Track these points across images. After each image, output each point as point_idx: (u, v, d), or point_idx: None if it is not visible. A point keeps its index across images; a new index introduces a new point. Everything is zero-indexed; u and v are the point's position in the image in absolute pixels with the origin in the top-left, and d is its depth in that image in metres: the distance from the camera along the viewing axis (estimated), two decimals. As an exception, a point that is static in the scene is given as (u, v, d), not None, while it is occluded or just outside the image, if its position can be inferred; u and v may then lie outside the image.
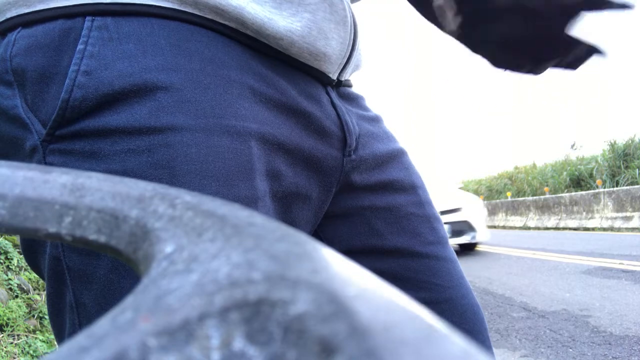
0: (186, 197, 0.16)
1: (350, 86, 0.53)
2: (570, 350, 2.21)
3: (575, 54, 0.40)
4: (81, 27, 0.34)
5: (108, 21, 0.35)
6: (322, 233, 0.52)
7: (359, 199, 0.50)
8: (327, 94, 0.46)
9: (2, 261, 1.95)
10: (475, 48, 0.45)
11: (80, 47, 0.34)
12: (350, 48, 0.45)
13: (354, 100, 0.52)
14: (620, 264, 4.47)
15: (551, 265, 4.81)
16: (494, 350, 2.31)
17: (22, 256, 2.11)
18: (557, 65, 0.41)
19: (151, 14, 0.35)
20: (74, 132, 0.34)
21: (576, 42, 0.39)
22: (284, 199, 0.41)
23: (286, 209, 0.42)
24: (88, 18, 0.34)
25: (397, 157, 0.54)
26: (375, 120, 0.54)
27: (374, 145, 0.51)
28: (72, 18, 0.34)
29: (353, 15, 0.46)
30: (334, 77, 0.46)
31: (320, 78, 0.44)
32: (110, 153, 0.33)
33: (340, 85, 0.49)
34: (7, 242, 2.02)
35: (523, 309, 3.04)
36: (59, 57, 0.34)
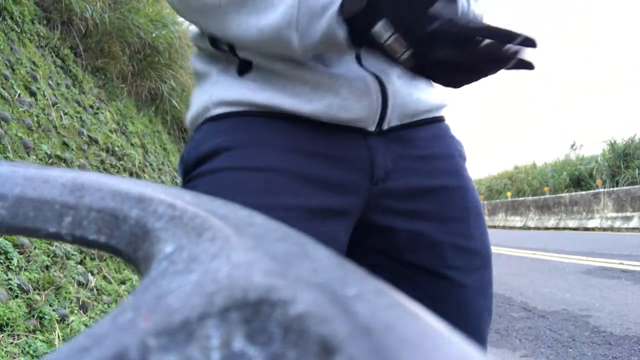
0: (186, 196, 0.16)
1: (411, 127, 0.64)
2: (570, 350, 2.21)
3: (498, 67, 0.50)
4: (200, 126, 0.63)
5: (204, 125, 0.62)
6: (353, 236, 0.63)
7: (390, 220, 0.62)
8: (366, 139, 0.61)
9: (2, 261, 1.95)
10: (431, 76, 0.54)
11: (195, 136, 0.63)
12: (380, 108, 0.60)
13: (407, 140, 0.64)
14: (620, 264, 4.47)
15: (551, 265, 4.81)
16: (494, 350, 2.31)
17: (22, 256, 2.11)
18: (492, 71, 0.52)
19: (226, 116, 0.61)
20: (191, 176, 0.61)
21: (499, 60, 0.49)
22: (318, 213, 0.57)
23: (322, 221, 0.58)
24: (204, 122, 0.63)
25: (435, 191, 0.63)
26: (428, 157, 0.64)
27: (410, 179, 0.62)
28: (200, 125, 0.64)
29: (382, 81, 0.60)
30: (372, 129, 0.60)
31: (359, 130, 0.60)
32: (200, 183, 0.59)
33: (390, 131, 0.62)
34: (7, 242, 2.02)
35: (523, 309, 3.04)
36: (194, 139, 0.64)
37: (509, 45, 0.47)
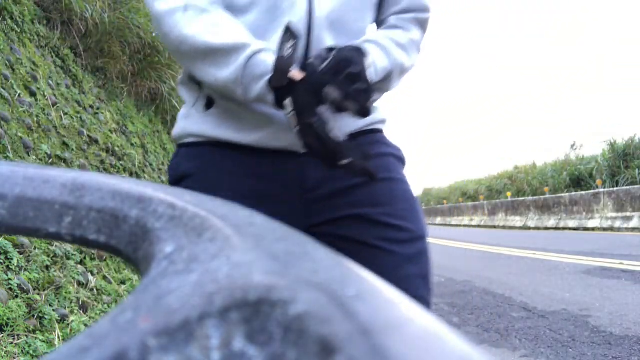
0: (186, 196, 0.16)
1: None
2: (570, 350, 2.21)
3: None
4: (179, 149, 0.85)
5: (181, 150, 0.83)
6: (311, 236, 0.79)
7: (333, 212, 0.79)
8: (299, 158, 0.77)
9: (2, 261, 1.95)
10: (311, 150, 0.68)
11: (174, 157, 0.84)
12: None
13: None
14: (620, 264, 4.47)
15: (551, 265, 4.81)
16: (494, 350, 2.31)
17: (22, 256, 2.11)
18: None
19: (188, 145, 0.81)
20: None
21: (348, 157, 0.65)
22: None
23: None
24: (180, 146, 0.84)
25: (366, 183, 0.78)
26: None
27: (342, 181, 0.78)
28: (179, 148, 0.84)
29: None
30: (303, 151, 0.71)
31: (292, 153, 0.77)
32: None
33: None
34: (7, 242, 2.02)
35: (523, 309, 3.04)
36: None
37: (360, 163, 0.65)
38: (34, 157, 2.87)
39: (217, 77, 0.70)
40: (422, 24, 0.88)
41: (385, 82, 0.80)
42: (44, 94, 3.55)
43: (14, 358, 1.62)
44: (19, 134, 2.83)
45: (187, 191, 0.17)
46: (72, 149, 3.46)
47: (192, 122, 0.81)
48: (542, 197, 12.21)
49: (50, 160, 3.05)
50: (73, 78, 4.53)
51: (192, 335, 0.10)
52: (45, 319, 1.90)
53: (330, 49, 0.68)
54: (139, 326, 0.10)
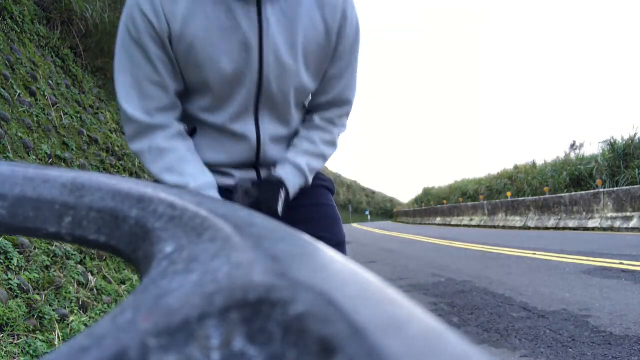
0: (186, 197, 0.16)
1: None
2: (570, 350, 2.21)
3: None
4: None
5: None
6: None
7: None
8: (257, 170, 1.08)
9: (2, 261, 1.95)
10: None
11: None
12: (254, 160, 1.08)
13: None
14: (620, 264, 4.47)
15: (551, 265, 4.81)
16: (494, 350, 2.31)
17: (22, 256, 2.10)
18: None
19: None
20: None
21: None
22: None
23: None
24: None
25: (302, 206, 1.11)
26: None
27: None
28: None
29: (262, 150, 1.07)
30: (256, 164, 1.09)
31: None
32: None
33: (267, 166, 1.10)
34: (7, 242, 2.02)
35: (523, 309, 3.04)
36: None
37: None
38: (34, 157, 2.87)
39: (174, 183, 0.98)
40: (343, 120, 1.13)
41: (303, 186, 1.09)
42: (44, 94, 3.54)
43: (14, 358, 1.62)
44: (19, 134, 2.83)
45: (187, 191, 0.17)
46: (72, 149, 3.46)
47: None
48: (542, 197, 12.21)
49: (50, 160, 3.05)
50: (73, 78, 4.53)
51: (192, 335, 0.10)
52: (45, 319, 1.90)
53: (254, 183, 1.02)
54: (139, 326, 0.10)
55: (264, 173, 1.08)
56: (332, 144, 1.12)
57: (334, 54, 1.02)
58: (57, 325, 1.95)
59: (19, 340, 1.72)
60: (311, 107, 1.11)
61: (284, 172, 1.04)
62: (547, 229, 11.17)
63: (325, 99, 1.08)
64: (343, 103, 1.09)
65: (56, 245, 2.46)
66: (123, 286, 2.84)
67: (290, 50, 0.96)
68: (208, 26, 0.91)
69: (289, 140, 1.10)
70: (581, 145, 17.51)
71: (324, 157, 1.10)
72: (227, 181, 1.05)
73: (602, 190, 10.03)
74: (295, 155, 1.07)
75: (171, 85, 0.97)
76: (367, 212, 46.95)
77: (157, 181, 0.99)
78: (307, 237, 0.14)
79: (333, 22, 0.99)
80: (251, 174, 1.08)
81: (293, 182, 1.05)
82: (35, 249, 2.26)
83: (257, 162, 1.06)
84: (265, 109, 1.01)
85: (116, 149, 4.32)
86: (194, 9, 0.91)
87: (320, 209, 1.13)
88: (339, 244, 1.10)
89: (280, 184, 1.01)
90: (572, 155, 16.12)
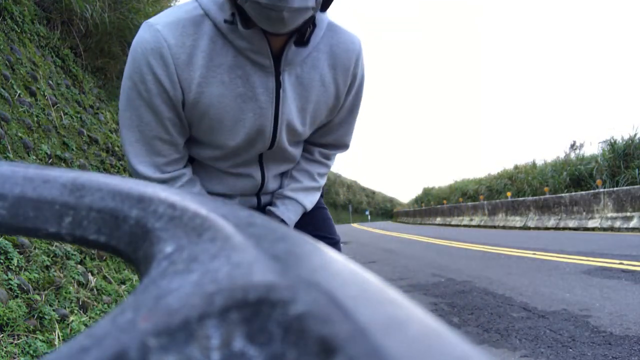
0: (186, 197, 0.16)
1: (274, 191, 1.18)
2: (570, 350, 2.21)
3: None
4: None
5: None
6: None
7: None
8: (258, 196, 1.14)
9: (2, 261, 1.95)
10: None
11: None
12: (259, 188, 1.12)
13: (277, 195, 1.16)
14: (620, 264, 4.47)
15: (551, 265, 4.81)
16: (494, 350, 2.31)
17: (22, 256, 2.10)
18: None
19: None
20: None
21: None
22: None
23: None
24: None
25: (305, 213, 1.19)
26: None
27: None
28: None
29: (264, 172, 1.11)
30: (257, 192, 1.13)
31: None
32: None
33: (271, 192, 1.16)
34: (7, 242, 2.02)
35: (523, 309, 3.03)
36: None
37: None
38: (34, 157, 2.87)
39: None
40: (337, 155, 1.22)
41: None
42: (44, 94, 3.55)
43: (14, 358, 1.62)
44: (19, 134, 2.83)
45: (187, 191, 0.17)
46: (72, 149, 3.46)
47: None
48: (542, 197, 12.21)
49: (50, 160, 3.05)
50: (73, 78, 4.53)
51: (192, 335, 0.10)
52: (45, 319, 1.90)
53: None
54: (139, 326, 0.10)
55: (264, 198, 1.14)
56: (326, 174, 1.22)
57: (340, 108, 1.06)
58: (57, 325, 1.95)
59: (19, 340, 1.72)
60: (311, 142, 1.16)
61: (286, 210, 1.11)
62: (547, 229, 11.17)
63: (325, 141, 1.14)
64: (341, 146, 1.18)
65: (56, 245, 2.46)
66: (123, 286, 2.84)
67: (300, 114, 0.99)
68: (223, 93, 0.90)
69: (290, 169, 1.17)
70: (581, 145, 17.50)
71: (320, 188, 1.20)
72: None
73: (602, 190, 10.02)
74: (297, 193, 1.13)
75: (181, 142, 0.97)
76: (367, 212, 46.96)
77: None
78: (307, 237, 0.14)
79: (344, 85, 1.01)
80: (252, 201, 1.13)
81: (294, 220, 1.12)
82: (35, 249, 2.26)
83: (259, 192, 1.11)
84: (269, 155, 1.06)
85: (116, 149, 4.32)
86: (209, 74, 0.89)
87: (314, 211, 1.19)
88: (334, 244, 1.16)
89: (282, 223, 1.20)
90: (572, 155, 16.11)
